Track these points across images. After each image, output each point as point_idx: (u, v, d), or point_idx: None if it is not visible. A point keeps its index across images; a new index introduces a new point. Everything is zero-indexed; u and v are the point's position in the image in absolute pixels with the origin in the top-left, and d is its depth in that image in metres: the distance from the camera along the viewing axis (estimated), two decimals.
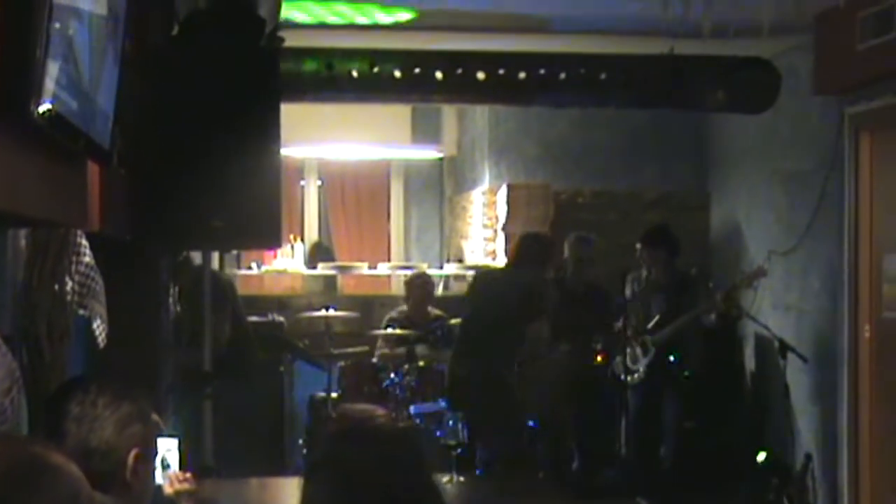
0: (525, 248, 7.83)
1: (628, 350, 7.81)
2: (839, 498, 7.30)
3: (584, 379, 8.11)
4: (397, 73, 7.17)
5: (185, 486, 3.85)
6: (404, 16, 7.28)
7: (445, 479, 5.56)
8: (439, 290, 9.85)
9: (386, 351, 8.51)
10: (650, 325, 7.88)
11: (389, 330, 8.50)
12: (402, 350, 8.30)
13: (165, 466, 3.86)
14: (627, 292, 8.03)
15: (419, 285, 8.82)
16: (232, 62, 4.80)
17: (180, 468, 3.98)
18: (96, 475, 2.65)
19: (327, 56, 7.19)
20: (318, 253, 11.27)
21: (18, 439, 2.41)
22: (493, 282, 8.06)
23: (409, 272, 10.45)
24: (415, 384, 7.96)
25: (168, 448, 3.93)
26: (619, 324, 7.81)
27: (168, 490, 3.82)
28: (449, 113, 11.39)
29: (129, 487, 2.79)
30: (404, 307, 8.78)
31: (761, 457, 7.93)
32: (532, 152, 10.04)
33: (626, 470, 7.76)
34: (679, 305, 7.82)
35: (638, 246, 8.03)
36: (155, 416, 2.97)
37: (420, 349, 8.33)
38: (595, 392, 8.15)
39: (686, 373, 7.92)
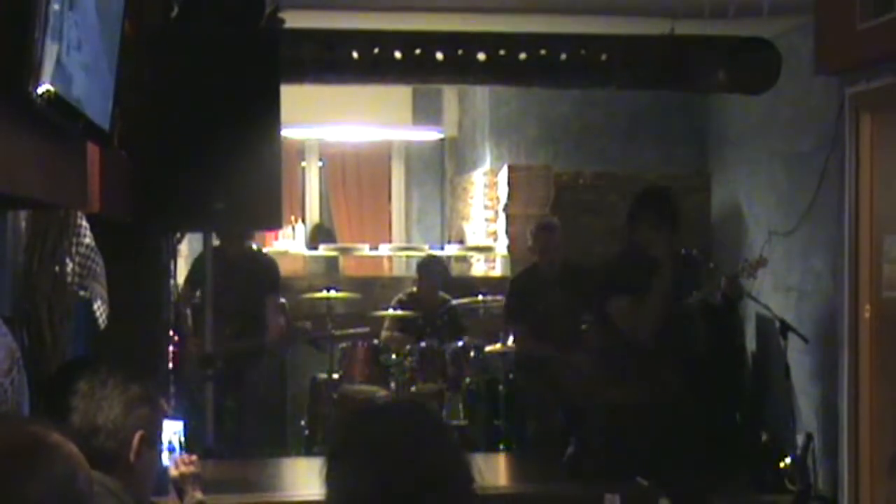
0: None
1: None
2: (839, 478, 7.31)
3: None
4: (398, 55, 7.16)
5: (191, 468, 3.85)
6: None
7: None
8: None
9: (389, 333, 8.50)
10: None
11: (395, 311, 8.47)
12: (406, 335, 8.31)
13: (171, 449, 3.87)
14: None
15: (431, 268, 8.77)
16: (232, 44, 4.80)
17: (185, 451, 3.98)
18: (100, 453, 2.67)
19: (328, 37, 7.19)
20: (319, 234, 11.28)
21: (17, 419, 2.42)
22: None
23: (411, 253, 10.47)
24: (416, 364, 7.97)
25: (173, 431, 3.93)
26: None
27: (174, 472, 3.82)
28: (450, 94, 11.38)
29: (131, 469, 2.80)
30: (413, 289, 8.74)
31: (762, 437, 7.95)
32: (533, 133, 10.03)
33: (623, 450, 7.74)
34: (679, 285, 7.78)
35: None
36: (163, 402, 2.98)
37: (424, 333, 8.32)
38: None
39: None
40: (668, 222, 6.19)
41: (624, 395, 6.20)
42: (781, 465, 7.70)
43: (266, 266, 8.00)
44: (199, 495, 3.83)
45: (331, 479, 2.16)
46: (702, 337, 7.58)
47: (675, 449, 5.98)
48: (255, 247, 8.30)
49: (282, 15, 5.64)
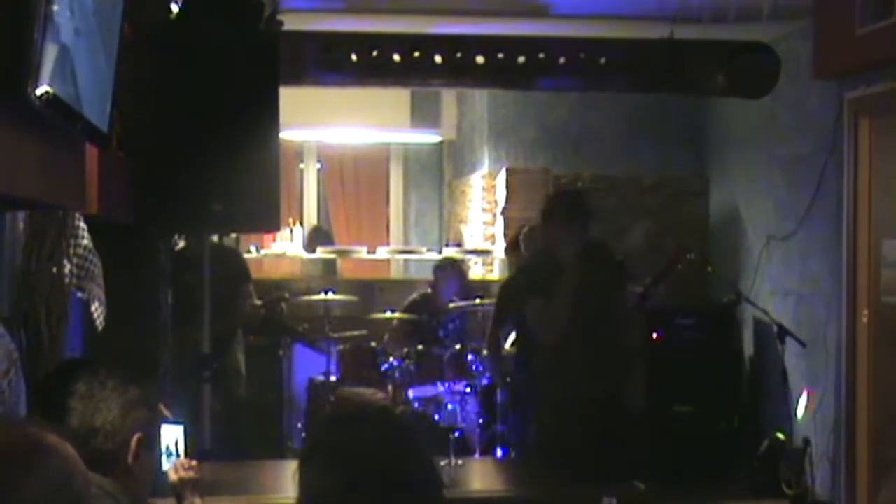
0: None
1: None
2: (837, 482, 7.31)
3: None
4: (396, 57, 7.16)
5: (191, 474, 3.84)
6: None
7: (443, 462, 5.58)
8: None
9: (392, 335, 8.48)
10: None
11: (392, 314, 8.43)
12: (405, 338, 8.28)
13: (170, 454, 3.85)
14: None
15: (446, 271, 8.73)
16: (231, 45, 4.79)
17: (185, 454, 3.96)
18: (98, 455, 2.66)
19: (326, 40, 7.18)
20: (318, 237, 11.27)
21: (14, 420, 2.41)
22: None
23: (409, 256, 10.47)
24: (414, 368, 7.96)
25: (173, 435, 3.91)
26: None
27: (173, 477, 3.81)
28: (448, 97, 11.38)
29: (130, 472, 2.80)
30: (428, 290, 8.71)
31: (759, 441, 7.94)
32: (531, 136, 10.03)
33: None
34: (604, 286, 7.69)
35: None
36: (162, 406, 2.98)
37: (430, 336, 8.30)
38: None
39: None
40: (576, 224, 6.23)
41: (545, 394, 6.27)
42: (779, 469, 7.70)
43: (232, 257, 8.00)
44: (198, 501, 3.82)
45: (301, 481, 2.22)
46: (630, 336, 7.40)
47: (609, 446, 6.01)
48: (216, 239, 8.24)
49: (281, 17, 5.63)
